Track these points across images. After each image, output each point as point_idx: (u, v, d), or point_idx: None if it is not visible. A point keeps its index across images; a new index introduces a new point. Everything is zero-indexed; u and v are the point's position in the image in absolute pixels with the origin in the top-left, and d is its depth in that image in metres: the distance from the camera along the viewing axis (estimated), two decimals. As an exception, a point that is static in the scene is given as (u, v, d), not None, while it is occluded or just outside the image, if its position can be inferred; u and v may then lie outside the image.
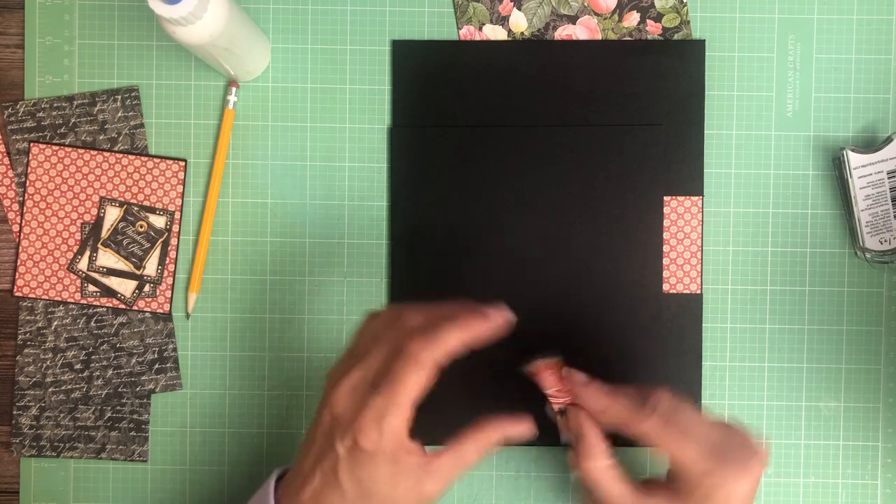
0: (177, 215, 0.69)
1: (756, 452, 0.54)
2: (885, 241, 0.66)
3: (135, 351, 0.69)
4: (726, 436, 0.54)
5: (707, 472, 0.53)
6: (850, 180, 0.66)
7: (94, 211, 0.69)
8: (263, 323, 0.69)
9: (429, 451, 0.54)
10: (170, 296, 0.69)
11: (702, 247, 0.68)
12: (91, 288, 0.69)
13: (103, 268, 0.69)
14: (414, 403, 0.52)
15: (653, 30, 0.69)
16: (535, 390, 0.68)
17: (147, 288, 0.69)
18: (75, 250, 0.69)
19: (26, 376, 0.69)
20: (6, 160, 0.69)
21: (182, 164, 0.69)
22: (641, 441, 0.55)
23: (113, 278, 0.69)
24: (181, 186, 0.69)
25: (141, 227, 0.69)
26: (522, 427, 0.55)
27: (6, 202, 0.69)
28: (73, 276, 0.69)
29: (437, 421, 0.69)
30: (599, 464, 0.56)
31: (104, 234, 0.69)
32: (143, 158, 0.69)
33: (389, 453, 0.51)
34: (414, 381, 0.51)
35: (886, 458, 0.69)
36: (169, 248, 0.69)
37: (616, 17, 0.69)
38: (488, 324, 0.54)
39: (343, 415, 0.52)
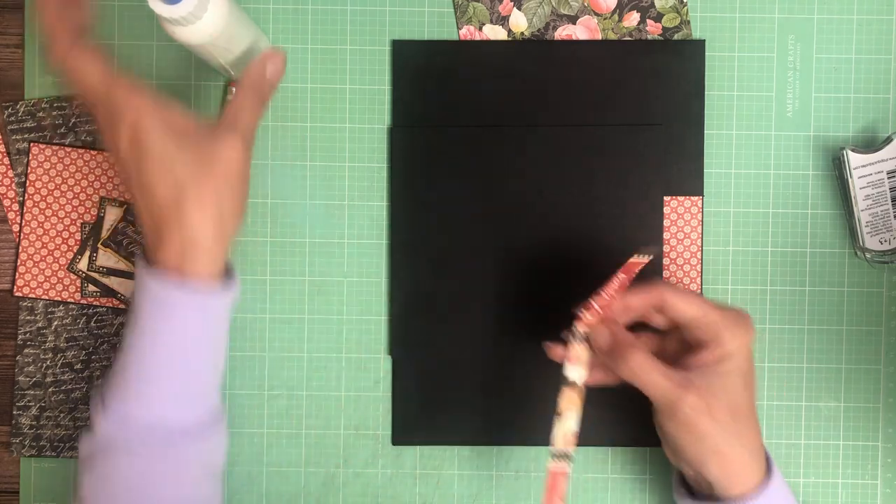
0: (177, 215, 0.69)
1: (747, 316, 0.59)
2: (885, 241, 0.66)
3: (135, 351, 0.69)
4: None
5: (721, 324, 0.57)
6: (850, 180, 0.66)
7: (95, 211, 0.69)
8: (264, 323, 0.69)
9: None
10: (170, 296, 0.69)
11: (702, 247, 0.68)
12: (91, 288, 0.69)
13: (103, 268, 0.69)
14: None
15: (653, 30, 0.69)
16: (535, 392, 0.68)
17: (147, 288, 0.69)
18: (75, 250, 0.69)
19: (26, 376, 0.69)
20: (6, 160, 0.69)
21: (182, 164, 0.69)
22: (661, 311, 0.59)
23: (113, 278, 0.69)
24: (181, 186, 0.69)
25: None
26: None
27: (6, 202, 0.69)
28: (73, 276, 0.69)
29: (443, 421, 0.69)
30: (640, 357, 0.57)
31: (104, 234, 0.69)
32: (143, 158, 0.69)
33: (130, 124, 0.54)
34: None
35: (886, 458, 0.69)
36: (169, 248, 0.69)
37: (616, 16, 0.69)
38: None
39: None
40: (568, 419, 0.59)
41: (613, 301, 0.59)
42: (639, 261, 0.59)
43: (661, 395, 0.57)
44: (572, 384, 0.59)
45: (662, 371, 0.57)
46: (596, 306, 0.59)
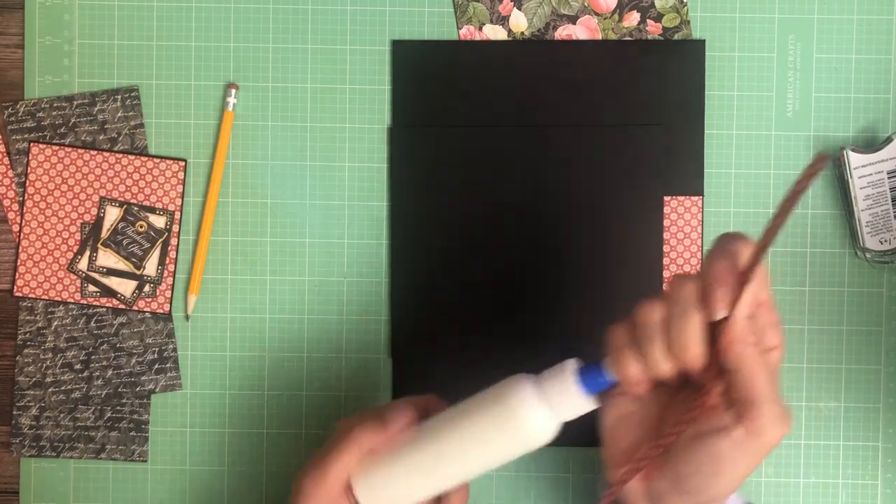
0: (177, 215, 0.69)
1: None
2: (886, 241, 0.66)
3: (135, 351, 0.69)
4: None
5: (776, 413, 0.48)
6: (850, 180, 0.66)
7: (94, 211, 0.69)
8: (263, 323, 0.69)
9: None
10: (170, 296, 0.69)
11: (702, 247, 0.68)
12: (91, 288, 0.69)
13: (103, 268, 0.69)
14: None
15: (653, 30, 0.69)
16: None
17: (147, 288, 0.69)
18: (75, 250, 0.69)
19: (26, 376, 0.69)
20: (6, 160, 0.69)
21: (182, 164, 0.69)
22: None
23: (113, 278, 0.69)
24: (181, 186, 0.69)
25: (141, 227, 0.69)
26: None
27: (6, 202, 0.69)
28: (73, 277, 0.69)
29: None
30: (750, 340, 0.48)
31: (104, 234, 0.69)
32: (142, 158, 0.69)
33: None
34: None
35: (887, 458, 0.69)
36: (169, 248, 0.69)
37: (616, 16, 0.69)
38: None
39: None
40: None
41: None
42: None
43: (772, 400, 0.47)
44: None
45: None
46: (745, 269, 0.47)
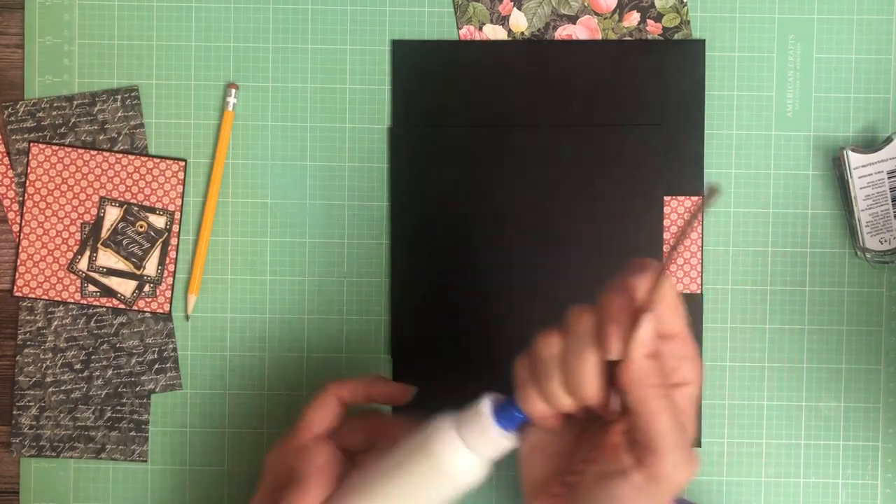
0: (177, 215, 0.69)
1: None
2: (886, 241, 0.66)
3: (135, 351, 0.69)
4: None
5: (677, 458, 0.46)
6: (850, 180, 0.66)
7: (94, 211, 0.69)
8: (263, 323, 0.69)
9: None
10: (170, 296, 0.69)
11: (702, 247, 0.68)
12: (91, 288, 0.69)
13: (103, 268, 0.69)
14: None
15: (653, 29, 0.69)
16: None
17: (147, 288, 0.69)
18: (75, 250, 0.69)
19: (26, 376, 0.69)
20: (6, 160, 0.69)
21: (182, 164, 0.69)
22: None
23: (113, 278, 0.69)
24: (181, 186, 0.69)
25: (141, 227, 0.69)
26: None
27: (6, 202, 0.69)
28: (72, 276, 0.69)
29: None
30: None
31: (104, 234, 0.69)
32: (142, 158, 0.69)
33: None
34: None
35: (887, 458, 0.69)
36: (169, 247, 0.69)
37: (616, 16, 0.69)
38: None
39: None
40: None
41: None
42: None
43: (673, 443, 0.45)
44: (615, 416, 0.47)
45: (682, 424, 0.46)
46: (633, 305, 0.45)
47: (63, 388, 0.69)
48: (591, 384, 0.46)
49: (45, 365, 0.69)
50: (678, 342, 0.46)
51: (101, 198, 0.69)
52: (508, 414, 0.49)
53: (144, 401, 0.69)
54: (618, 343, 0.45)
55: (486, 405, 0.50)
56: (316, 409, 0.57)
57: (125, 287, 0.69)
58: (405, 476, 0.51)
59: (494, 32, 0.69)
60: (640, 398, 0.45)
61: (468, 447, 0.50)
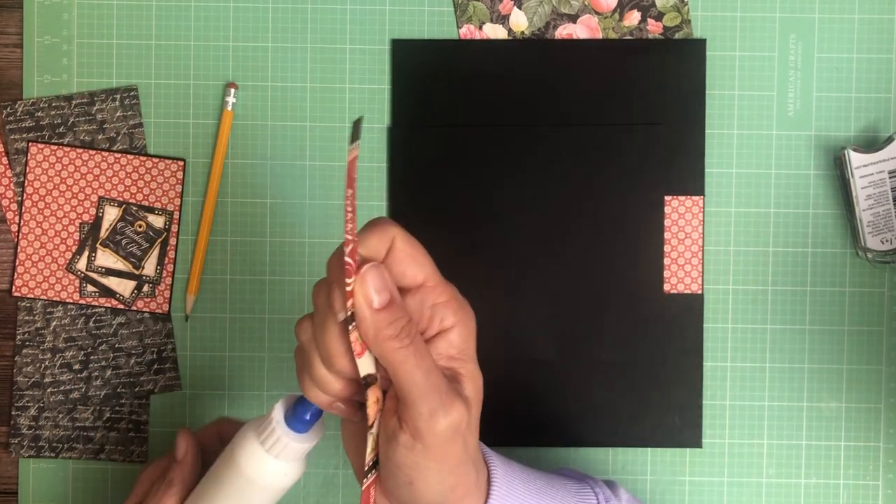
0: (176, 215, 0.69)
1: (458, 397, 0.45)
2: (887, 240, 0.66)
3: (133, 351, 0.69)
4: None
5: (445, 302, 0.46)
6: (851, 180, 0.66)
7: (93, 211, 0.69)
8: (263, 323, 0.69)
9: None
10: (168, 296, 0.69)
11: (703, 247, 0.68)
12: (90, 288, 0.69)
13: (102, 268, 0.69)
14: None
15: (653, 29, 0.69)
16: (536, 393, 0.68)
17: (146, 288, 0.69)
18: (74, 250, 0.69)
19: (25, 377, 0.69)
20: (5, 160, 0.69)
21: (181, 163, 0.69)
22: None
23: (112, 278, 0.69)
24: (180, 186, 0.69)
25: (140, 226, 0.69)
26: None
27: (5, 202, 0.69)
28: (71, 276, 0.69)
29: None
30: (418, 337, 0.44)
31: (103, 233, 0.69)
32: (141, 158, 0.69)
33: None
34: None
35: (888, 458, 0.68)
36: (168, 247, 0.69)
37: (617, 16, 0.69)
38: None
39: None
40: (375, 426, 0.46)
41: (355, 240, 0.43)
42: (352, 150, 0.43)
43: (424, 394, 0.44)
44: (373, 379, 0.45)
45: (436, 367, 0.45)
46: (349, 261, 0.43)
47: (62, 388, 0.69)
48: (337, 354, 0.44)
49: (43, 365, 0.69)
50: (427, 291, 0.45)
51: (100, 197, 0.69)
52: (300, 414, 0.49)
53: (143, 401, 0.69)
54: (339, 301, 0.43)
55: (277, 410, 0.50)
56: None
57: (124, 287, 0.69)
58: (219, 488, 0.53)
59: (494, 32, 0.69)
60: (381, 353, 0.43)
61: (270, 454, 0.51)
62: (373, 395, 0.45)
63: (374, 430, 0.46)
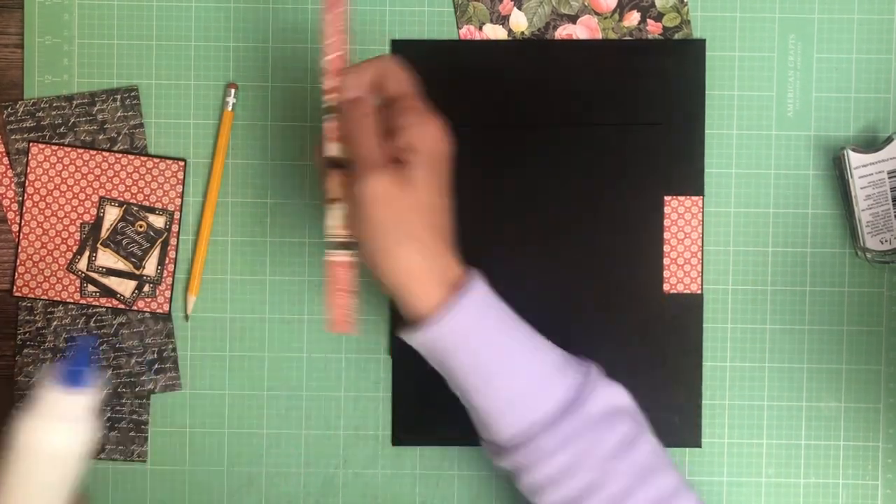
0: (176, 215, 0.69)
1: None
2: (886, 241, 0.66)
3: (134, 351, 0.69)
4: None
5: (417, 113, 0.56)
6: (850, 180, 0.66)
7: (94, 211, 0.69)
8: (263, 323, 0.69)
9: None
10: (169, 296, 0.69)
11: (702, 247, 0.68)
12: (90, 288, 0.69)
13: (103, 268, 0.69)
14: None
15: (653, 29, 0.69)
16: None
17: (146, 288, 0.69)
18: (75, 250, 0.69)
19: (26, 376, 0.69)
20: (6, 160, 0.69)
21: (181, 163, 0.69)
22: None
23: (112, 278, 0.69)
24: (181, 186, 0.69)
25: (140, 226, 0.69)
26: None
27: (5, 202, 0.69)
28: (72, 276, 0.69)
29: (443, 421, 0.69)
30: (361, 116, 0.56)
31: (104, 233, 0.69)
32: (142, 158, 0.69)
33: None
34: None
35: (887, 458, 0.69)
36: (168, 247, 0.69)
37: (616, 16, 0.69)
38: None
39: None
40: (340, 205, 0.57)
41: (343, 58, 0.57)
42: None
43: (360, 162, 0.54)
44: (337, 164, 0.57)
45: (375, 142, 0.55)
46: (328, 68, 0.57)
47: (62, 388, 0.69)
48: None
49: (44, 365, 0.69)
50: (402, 99, 0.57)
51: (101, 198, 0.69)
52: (75, 372, 0.52)
53: (144, 401, 0.69)
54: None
55: (46, 377, 0.52)
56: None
57: (125, 287, 0.69)
58: (16, 477, 0.52)
59: (494, 32, 0.69)
60: (343, 128, 0.56)
61: (53, 420, 0.52)
62: (335, 178, 0.57)
63: (333, 207, 0.57)
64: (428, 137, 0.56)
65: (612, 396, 0.58)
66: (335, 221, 0.57)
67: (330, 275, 0.57)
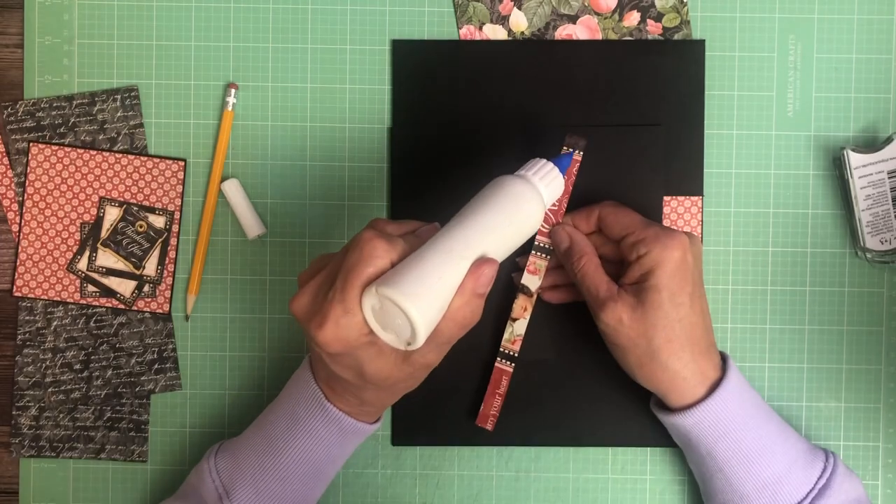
0: (176, 215, 0.69)
1: (678, 232, 0.60)
2: (886, 240, 0.66)
3: (134, 351, 0.69)
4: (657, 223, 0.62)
5: (647, 237, 0.60)
6: (850, 180, 0.66)
7: (94, 211, 0.69)
8: (263, 323, 0.69)
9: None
10: (169, 296, 0.69)
11: (702, 247, 0.68)
12: (90, 288, 0.69)
13: (103, 268, 0.69)
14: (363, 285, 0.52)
15: (653, 29, 0.69)
16: (536, 392, 0.68)
17: (146, 288, 0.69)
18: (75, 250, 0.69)
19: (26, 376, 0.69)
20: (6, 160, 0.69)
21: (182, 163, 0.69)
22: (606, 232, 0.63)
23: (112, 278, 0.69)
24: (181, 186, 0.69)
25: (140, 226, 0.69)
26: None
27: (6, 202, 0.69)
28: (72, 277, 0.69)
29: (443, 421, 0.69)
30: (587, 260, 0.62)
31: (104, 234, 0.69)
32: (142, 158, 0.69)
33: (355, 345, 0.52)
34: (362, 269, 0.52)
35: (887, 458, 0.69)
36: (168, 247, 0.69)
37: (616, 16, 0.69)
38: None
39: (303, 319, 0.53)
40: (520, 324, 0.65)
41: (562, 206, 0.64)
42: (570, 153, 0.63)
43: (592, 302, 0.61)
44: (528, 292, 0.65)
45: (604, 279, 0.61)
46: (549, 215, 0.64)
47: (62, 388, 0.69)
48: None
49: (44, 365, 0.69)
50: (631, 235, 0.61)
51: (101, 198, 0.69)
52: (561, 159, 0.59)
53: (144, 401, 0.69)
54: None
55: (541, 159, 0.58)
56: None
57: (125, 287, 0.69)
58: (491, 215, 0.55)
59: (494, 32, 0.69)
60: (568, 269, 0.64)
61: (536, 188, 0.56)
62: (521, 301, 0.65)
63: (512, 324, 0.66)
64: (666, 259, 0.59)
65: (855, 487, 0.62)
66: (510, 336, 0.66)
67: (494, 379, 0.66)
